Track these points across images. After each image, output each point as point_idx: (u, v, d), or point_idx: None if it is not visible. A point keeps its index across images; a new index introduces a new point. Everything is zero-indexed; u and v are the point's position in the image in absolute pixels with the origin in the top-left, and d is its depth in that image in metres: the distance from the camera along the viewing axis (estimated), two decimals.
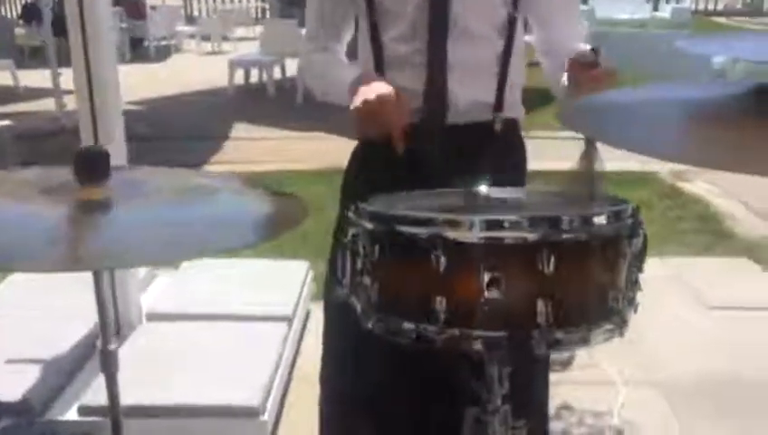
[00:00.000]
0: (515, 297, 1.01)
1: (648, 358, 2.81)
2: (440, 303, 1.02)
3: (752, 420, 2.44)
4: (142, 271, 3.61)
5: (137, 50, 12.35)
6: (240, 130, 7.12)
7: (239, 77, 9.11)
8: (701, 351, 2.88)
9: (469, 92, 1.53)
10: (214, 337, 2.65)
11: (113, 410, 1.39)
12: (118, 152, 2.53)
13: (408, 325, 1.06)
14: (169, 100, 8.73)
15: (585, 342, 1.05)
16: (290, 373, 2.69)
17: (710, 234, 4.41)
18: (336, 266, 1.19)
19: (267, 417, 2.32)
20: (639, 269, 1.13)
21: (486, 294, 1.01)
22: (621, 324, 1.08)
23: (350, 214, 1.18)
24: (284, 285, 3.14)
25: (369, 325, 1.11)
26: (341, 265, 1.18)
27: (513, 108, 1.60)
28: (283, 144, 6.55)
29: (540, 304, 1.01)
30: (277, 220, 1.19)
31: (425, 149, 1.48)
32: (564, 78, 1.45)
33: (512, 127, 1.62)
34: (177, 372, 2.41)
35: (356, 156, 1.67)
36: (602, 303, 1.07)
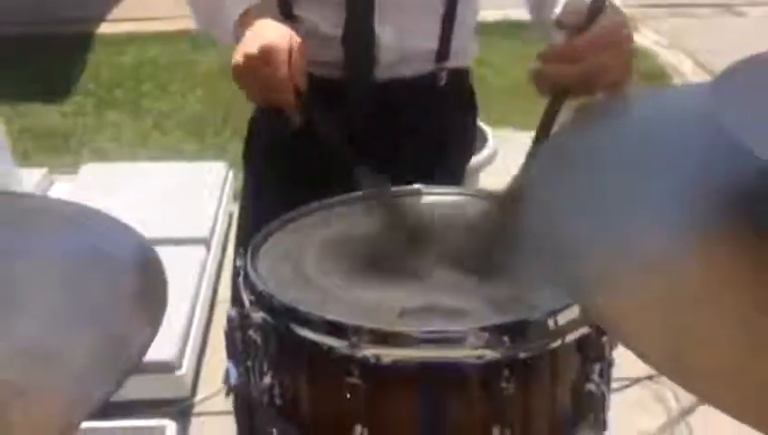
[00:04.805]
0: None
1: None
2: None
3: None
4: (38, 175, 3.18)
5: None
6: None
7: None
8: None
9: (404, 37, 1.16)
10: None
11: None
12: None
13: None
14: None
15: None
16: (211, 309, 2.41)
17: None
18: (228, 343, 0.89)
19: (185, 370, 2.08)
20: None
21: None
22: (598, 427, 0.83)
23: (239, 262, 0.88)
24: (198, 195, 2.78)
25: None
26: (231, 343, 0.88)
27: (462, 54, 1.23)
28: None
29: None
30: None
31: (347, 115, 1.15)
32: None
33: (460, 80, 1.26)
34: None
35: (255, 123, 1.30)
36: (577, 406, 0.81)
